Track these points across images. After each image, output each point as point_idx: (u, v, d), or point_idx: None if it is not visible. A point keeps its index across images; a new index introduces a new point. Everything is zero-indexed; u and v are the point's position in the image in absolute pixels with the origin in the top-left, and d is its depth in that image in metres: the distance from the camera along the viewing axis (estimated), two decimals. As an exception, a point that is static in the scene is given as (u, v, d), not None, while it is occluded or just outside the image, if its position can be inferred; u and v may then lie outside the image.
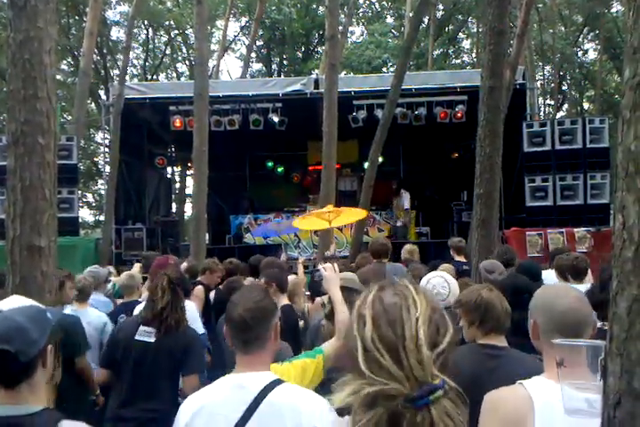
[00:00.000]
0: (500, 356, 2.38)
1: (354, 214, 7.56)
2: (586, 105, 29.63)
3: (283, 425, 1.73)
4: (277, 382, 1.84)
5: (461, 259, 6.57)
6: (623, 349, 1.21)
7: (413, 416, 0.93)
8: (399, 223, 12.56)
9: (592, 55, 28.19)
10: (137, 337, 3.01)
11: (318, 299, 4.81)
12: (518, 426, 1.57)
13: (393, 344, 0.97)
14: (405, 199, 12.51)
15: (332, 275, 2.29)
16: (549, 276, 5.26)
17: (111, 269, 7.09)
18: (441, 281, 3.53)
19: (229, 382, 1.88)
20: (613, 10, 24.62)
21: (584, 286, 3.91)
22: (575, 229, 9.31)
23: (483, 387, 2.27)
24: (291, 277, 4.91)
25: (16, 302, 1.63)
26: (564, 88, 28.24)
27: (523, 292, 3.06)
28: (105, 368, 3.13)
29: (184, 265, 5.75)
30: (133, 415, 2.84)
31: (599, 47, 24.30)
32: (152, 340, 3.00)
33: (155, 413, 2.90)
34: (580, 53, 27.53)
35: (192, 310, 3.99)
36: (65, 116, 21.25)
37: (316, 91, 11.13)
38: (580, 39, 27.31)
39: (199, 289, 5.22)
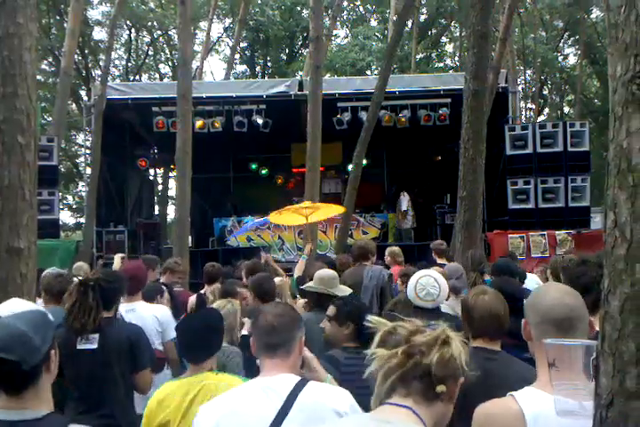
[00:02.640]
0: (494, 359, 2.36)
1: (332, 210, 7.56)
2: (566, 109, 30.04)
3: (318, 424, 1.72)
4: (303, 382, 1.84)
5: (443, 261, 6.60)
6: (615, 348, 1.20)
7: None
8: (401, 225, 12.66)
9: (572, 60, 28.63)
10: (79, 346, 2.91)
11: (300, 301, 4.77)
12: None
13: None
14: (403, 201, 12.61)
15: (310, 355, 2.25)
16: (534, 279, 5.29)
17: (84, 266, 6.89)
18: (431, 281, 3.35)
19: (256, 385, 1.87)
20: (593, 15, 25.04)
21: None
22: (556, 232, 9.40)
23: (479, 390, 2.27)
24: (276, 280, 4.85)
25: (16, 306, 1.57)
26: (544, 92, 28.59)
27: (515, 297, 2.97)
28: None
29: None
30: (89, 423, 2.77)
31: (579, 52, 24.63)
32: (95, 346, 2.91)
33: (112, 418, 2.86)
34: (560, 58, 27.90)
35: (165, 314, 3.91)
36: (46, 116, 20.98)
37: (300, 93, 11.11)
38: (561, 44, 27.69)
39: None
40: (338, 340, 2.90)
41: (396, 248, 6.57)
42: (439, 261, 6.61)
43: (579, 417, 1.35)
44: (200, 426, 1.82)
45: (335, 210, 7.78)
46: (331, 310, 2.99)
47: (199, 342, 2.45)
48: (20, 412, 1.50)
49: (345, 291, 3.94)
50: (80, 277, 3.07)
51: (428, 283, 3.35)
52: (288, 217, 7.36)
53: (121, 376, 2.98)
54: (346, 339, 2.87)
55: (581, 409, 1.34)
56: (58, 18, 22.82)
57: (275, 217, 7.67)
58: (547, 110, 29.55)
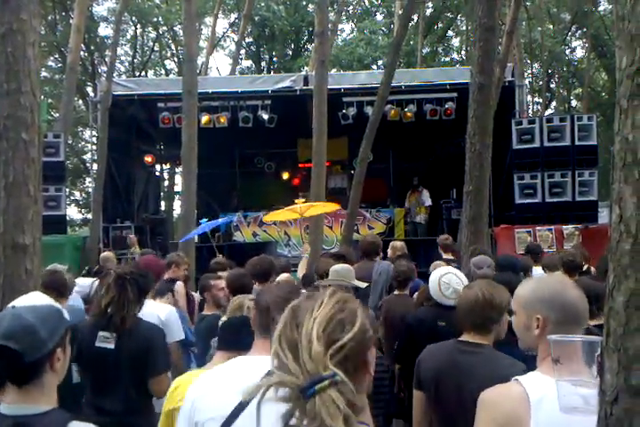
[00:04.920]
0: (473, 353, 2.37)
1: (325, 206, 7.55)
2: (574, 102, 29.83)
3: None
4: None
5: (449, 256, 6.60)
6: (620, 344, 1.18)
7: (303, 406, 1.00)
8: (418, 219, 12.63)
9: (580, 53, 28.40)
10: (97, 344, 2.89)
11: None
12: (514, 425, 1.54)
13: (294, 343, 1.07)
14: (426, 196, 12.63)
15: None
16: (538, 273, 5.28)
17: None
18: (454, 278, 3.39)
19: (240, 363, 1.88)
20: (601, 8, 24.80)
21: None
22: (564, 227, 9.35)
23: (448, 380, 2.38)
24: (283, 277, 4.82)
25: (33, 299, 1.58)
26: (552, 86, 28.39)
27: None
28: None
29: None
30: (98, 420, 2.76)
31: (587, 45, 24.42)
32: (112, 346, 2.88)
33: (123, 417, 2.83)
34: (567, 51, 27.67)
35: (170, 315, 3.73)
36: (52, 113, 21.04)
37: (305, 88, 11.08)
38: (568, 37, 27.45)
39: (180, 285, 5.05)
40: None
41: (399, 242, 6.54)
42: (445, 256, 6.60)
43: (583, 413, 1.34)
44: (185, 404, 1.83)
45: (330, 207, 7.78)
46: None
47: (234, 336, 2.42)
48: (24, 407, 1.50)
49: (362, 284, 3.94)
50: (114, 271, 3.04)
51: (451, 280, 3.38)
52: (282, 214, 7.39)
53: (134, 378, 2.93)
54: None
55: (586, 405, 1.33)
56: (63, 14, 22.87)
57: (269, 216, 7.71)
58: (554, 104, 29.35)
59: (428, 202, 12.72)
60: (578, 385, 1.34)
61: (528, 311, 1.69)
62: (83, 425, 1.53)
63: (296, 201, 7.20)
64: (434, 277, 3.49)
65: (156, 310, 3.72)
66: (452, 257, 6.57)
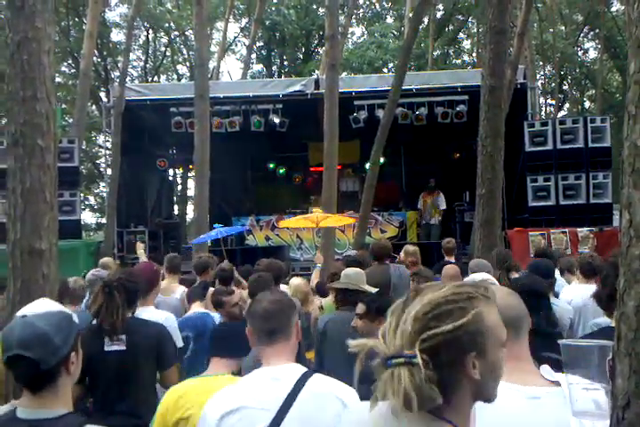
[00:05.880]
0: None
1: (341, 220, 7.63)
2: (587, 104, 29.60)
3: (324, 413, 1.72)
4: (310, 372, 1.82)
5: (451, 259, 6.62)
6: (631, 349, 1.18)
7: (381, 374, 1.07)
8: (433, 221, 12.60)
9: (592, 54, 28.20)
10: (107, 348, 2.92)
11: (317, 301, 4.78)
12: None
13: (401, 315, 1.12)
14: (442, 200, 12.63)
15: None
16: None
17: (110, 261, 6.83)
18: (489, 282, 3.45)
19: (262, 376, 1.84)
20: (613, 9, 24.61)
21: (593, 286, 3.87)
22: (578, 229, 9.27)
23: None
24: (298, 281, 4.80)
25: (42, 306, 1.60)
26: (564, 87, 28.20)
27: (538, 294, 2.94)
28: (76, 384, 3.02)
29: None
30: (118, 423, 2.78)
31: (599, 46, 24.24)
32: (123, 347, 2.92)
33: (138, 418, 2.85)
34: (580, 53, 27.49)
35: (168, 322, 3.61)
36: (66, 118, 21.27)
37: (316, 91, 11.11)
38: (581, 38, 27.27)
39: (211, 291, 4.88)
40: (372, 336, 2.87)
41: (412, 247, 6.49)
42: (447, 258, 6.63)
43: (595, 417, 1.34)
44: (205, 422, 1.80)
45: (345, 221, 7.89)
46: (360, 308, 2.99)
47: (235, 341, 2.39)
48: (39, 411, 1.53)
49: (372, 289, 3.94)
50: (103, 279, 3.11)
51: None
52: (297, 222, 7.51)
53: (149, 375, 3.03)
54: None
55: (597, 409, 1.33)
56: (76, 20, 23.13)
57: (284, 222, 7.86)
58: (567, 106, 29.16)
59: (443, 206, 12.69)
60: (589, 389, 1.34)
61: None
62: None
63: (313, 210, 7.29)
64: (469, 280, 3.54)
65: (154, 318, 3.67)
66: (453, 260, 6.61)
